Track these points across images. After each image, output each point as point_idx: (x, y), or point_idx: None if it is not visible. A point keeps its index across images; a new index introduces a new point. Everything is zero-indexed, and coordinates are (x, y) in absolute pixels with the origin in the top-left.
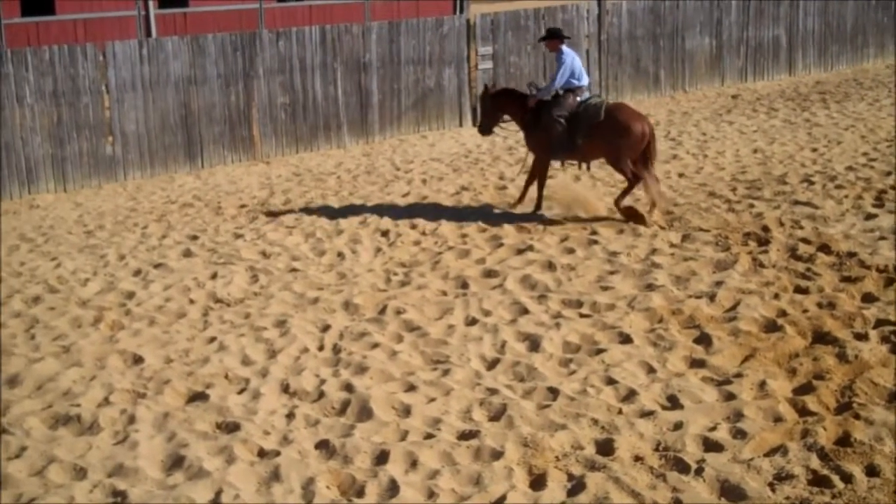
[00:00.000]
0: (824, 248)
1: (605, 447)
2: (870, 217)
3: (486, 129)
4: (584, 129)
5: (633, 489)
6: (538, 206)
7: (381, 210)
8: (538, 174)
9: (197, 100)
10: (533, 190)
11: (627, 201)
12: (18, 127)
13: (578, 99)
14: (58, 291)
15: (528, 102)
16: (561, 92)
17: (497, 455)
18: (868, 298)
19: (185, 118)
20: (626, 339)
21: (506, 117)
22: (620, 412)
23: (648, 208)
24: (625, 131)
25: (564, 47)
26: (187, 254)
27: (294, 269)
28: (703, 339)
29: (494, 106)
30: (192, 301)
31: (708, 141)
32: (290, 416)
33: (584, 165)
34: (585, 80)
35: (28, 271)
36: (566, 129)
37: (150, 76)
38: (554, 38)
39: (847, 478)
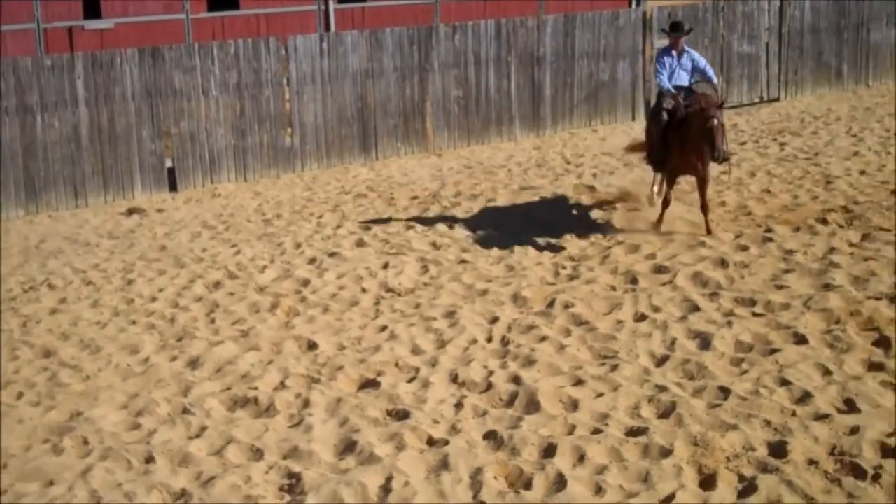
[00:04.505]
0: None
1: (778, 449)
2: None
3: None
4: None
5: (806, 493)
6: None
7: (550, 203)
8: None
9: (373, 93)
10: None
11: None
12: (204, 118)
13: None
14: (237, 277)
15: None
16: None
17: (666, 453)
18: None
19: (361, 111)
20: (801, 340)
21: None
22: (794, 414)
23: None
24: None
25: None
26: (360, 243)
27: (463, 261)
28: (883, 342)
29: None
30: (364, 290)
31: (891, 138)
32: (459, 405)
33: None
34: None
35: (209, 257)
36: None
37: (328, 69)
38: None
39: None
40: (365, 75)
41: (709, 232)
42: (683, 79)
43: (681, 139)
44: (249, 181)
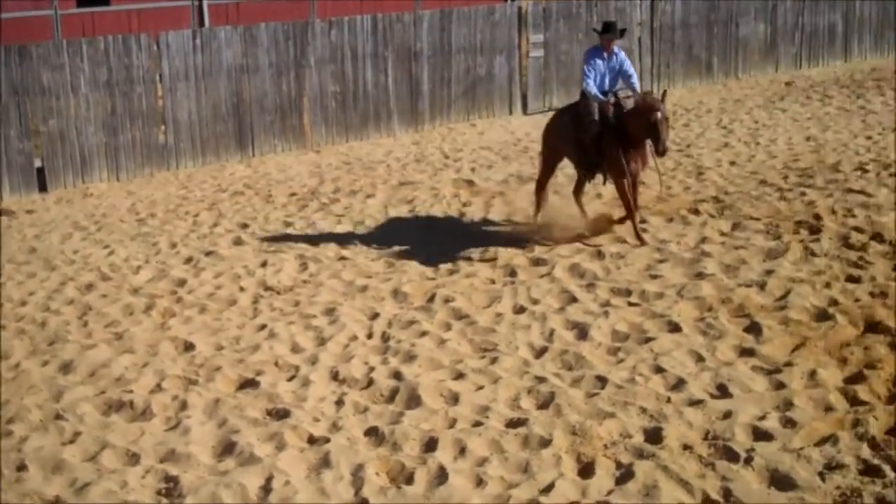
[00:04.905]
0: (877, 236)
1: (654, 436)
2: None
3: None
4: None
5: (681, 478)
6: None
7: (430, 199)
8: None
9: (249, 89)
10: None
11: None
12: (73, 117)
13: None
14: (110, 279)
15: None
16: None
17: (545, 443)
18: None
19: (236, 107)
20: (675, 328)
21: None
22: (669, 401)
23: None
24: None
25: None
26: (238, 242)
27: (343, 258)
28: (753, 328)
29: None
30: (242, 289)
31: (760, 129)
32: (340, 403)
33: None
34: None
35: (81, 259)
36: None
37: (202, 66)
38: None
39: None
40: (240, 71)
41: (639, 239)
42: (610, 82)
43: (619, 139)
44: (122, 180)
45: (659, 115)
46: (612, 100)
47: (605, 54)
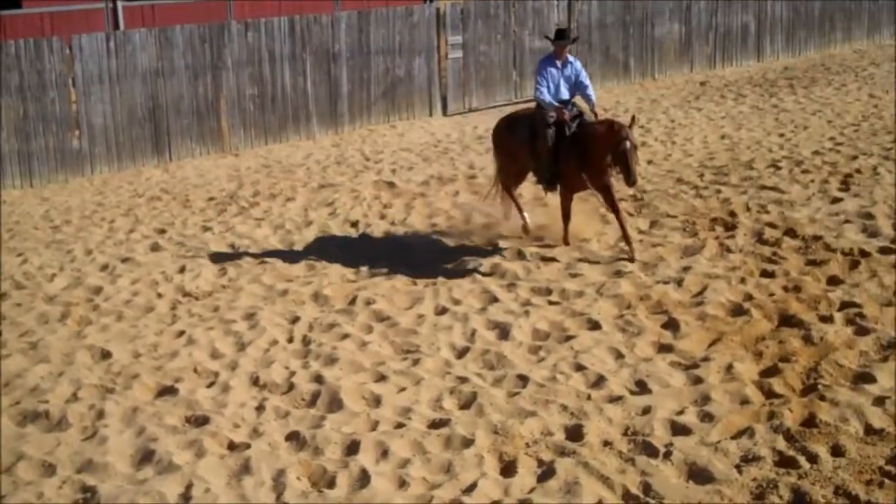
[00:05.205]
0: (790, 232)
1: (575, 433)
2: (835, 201)
3: None
4: None
5: (602, 474)
6: None
7: (351, 201)
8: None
9: (165, 92)
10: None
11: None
12: None
13: None
14: (24, 287)
15: None
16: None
17: (467, 443)
18: (833, 281)
19: (152, 111)
20: (594, 326)
21: None
22: (589, 398)
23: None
24: None
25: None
26: (155, 248)
27: (263, 262)
28: (671, 325)
29: None
30: (160, 295)
31: (676, 128)
32: (260, 408)
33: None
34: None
35: None
36: None
37: (116, 69)
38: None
39: (813, 458)
40: (155, 74)
41: (631, 255)
42: (566, 91)
43: (580, 156)
44: (36, 186)
45: (628, 144)
46: (573, 111)
47: (559, 63)
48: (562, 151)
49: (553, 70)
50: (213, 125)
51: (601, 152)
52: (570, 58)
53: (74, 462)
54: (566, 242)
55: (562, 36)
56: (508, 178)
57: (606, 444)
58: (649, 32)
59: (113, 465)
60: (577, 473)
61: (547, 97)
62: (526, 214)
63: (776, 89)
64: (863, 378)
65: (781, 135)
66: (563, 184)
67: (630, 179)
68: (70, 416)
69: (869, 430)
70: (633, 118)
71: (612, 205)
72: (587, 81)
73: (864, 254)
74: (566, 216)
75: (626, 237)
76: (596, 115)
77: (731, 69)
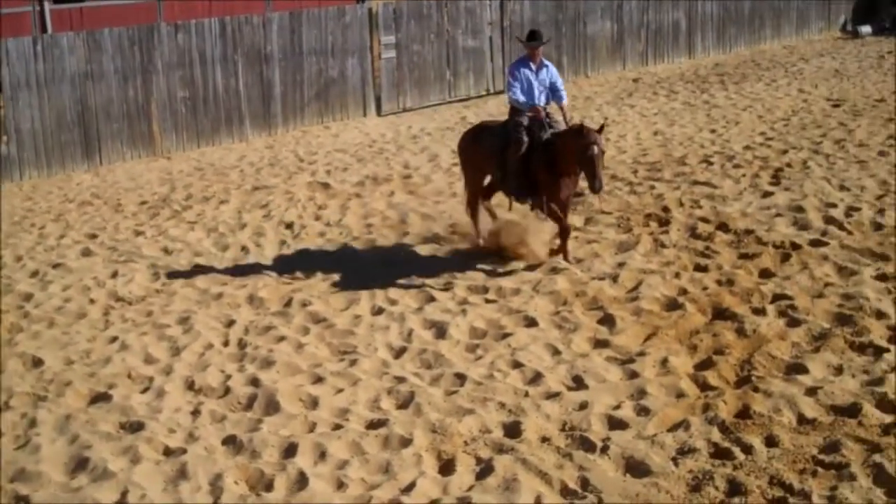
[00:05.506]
0: (723, 226)
1: (513, 430)
2: (766, 195)
3: None
4: None
5: (540, 469)
6: None
7: (285, 203)
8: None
9: (94, 96)
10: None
11: None
12: None
13: None
14: None
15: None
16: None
17: (406, 442)
18: (765, 274)
19: (82, 115)
20: (531, 323)
21: None
22: (527, 395)
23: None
24: None
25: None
26: (86, 253)
27: (197, 265)
28: (607, 320)
29: None
30: (92, 301)
31: (610, 125)
32: (196, 412)
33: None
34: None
35: None
36: None
37: (44, 73)
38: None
39: (747, 449)
40: (84, 78)
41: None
42: (541, 96)
43: (549, 163)
44: None
45: (596, 149)
46: (544, 110)
47: (533, 65)
48: (533, 160)
49: (527, 73)
50: (144, 128)
51: (569, 155)
52: (546, 61)
53: (7, 472)
54: (566, 259)
55: (534, 37)
56: (474, 192)
57: (544, 440)
58: (582, 31)
59: (47, 474)
60: (516, 470)
61: (521, 97)
62: (483, 232)
63: (707, 85)
64: (795, 369)
65: (713, 130)
66: (544, 195)
67: (595, 185)
68: (1, 425)
69: (802, 419)
70: (602, 124)
71: (561, 220)
72: (561, 85)
73: (795, 246)
74: (563, 229)
75: (564, 253)
76: (567, 119)
77: (663, 66)
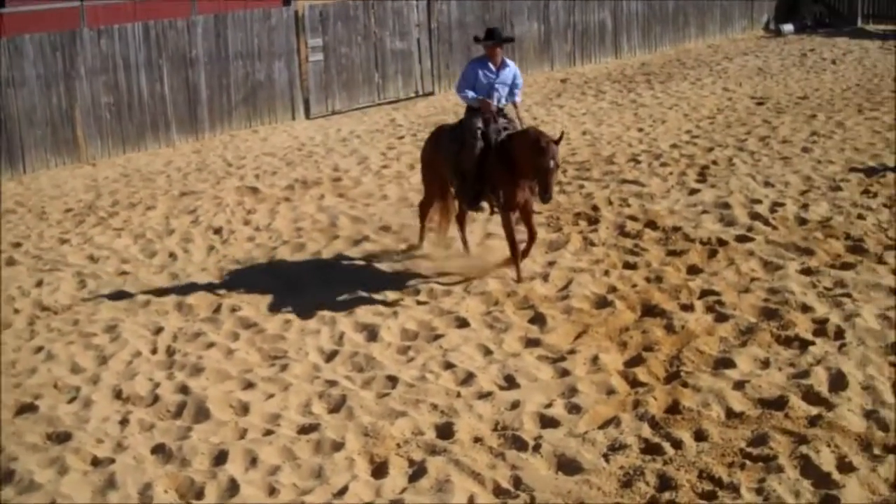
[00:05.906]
0: (651, 224)
1: (445, 431)
2: (693, 192)
3: None
4: None
5: (473, 470)
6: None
7: (214, 208)
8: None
9: (16, 103)
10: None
11: None
12: None
13: None
14: None
15: None
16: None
17: (338, 447)
18: (693, 270)
19: (3, 122)
20: (462, 324)
21: None
22: (459, 395)
23: None
24: None
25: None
26: (11, 262)
27: (124, 272)
28: (538, 319)
29: None
30: (16, 310)
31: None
32: (124, 422)
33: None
34: None
35: None
36: None
37: None
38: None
39: (677, 444)
40: (5, 84)
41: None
42: (501, 98)
43: (505, 166)
44: None
45: (552, 163)
46: (501, 123)
47: (493, 65)
48: (488, 164)
49: (487, 74)
50: (67, 135)
51: (526, 166)
52: (508, 61)
53: None
54: (518, 279)
55: (492, 36)
56: (428, 198)
57: (477, 440)
58: (509, 31)
59: None
60: (449, 471)
61: (468, 93)
62: (426, 243)
63: (634, 85)
64: (723, 363)
65: (640, 129)
66: (500, 201)
67: (546, 196)
68: None
69: (730, 413)
70: (561, 133)
71: (508, 228)
72: (521, 84)
73: (722, 243)
74: (513, 244)
75: (515, 259)
76: (521, 120)
77: (590, 66)
